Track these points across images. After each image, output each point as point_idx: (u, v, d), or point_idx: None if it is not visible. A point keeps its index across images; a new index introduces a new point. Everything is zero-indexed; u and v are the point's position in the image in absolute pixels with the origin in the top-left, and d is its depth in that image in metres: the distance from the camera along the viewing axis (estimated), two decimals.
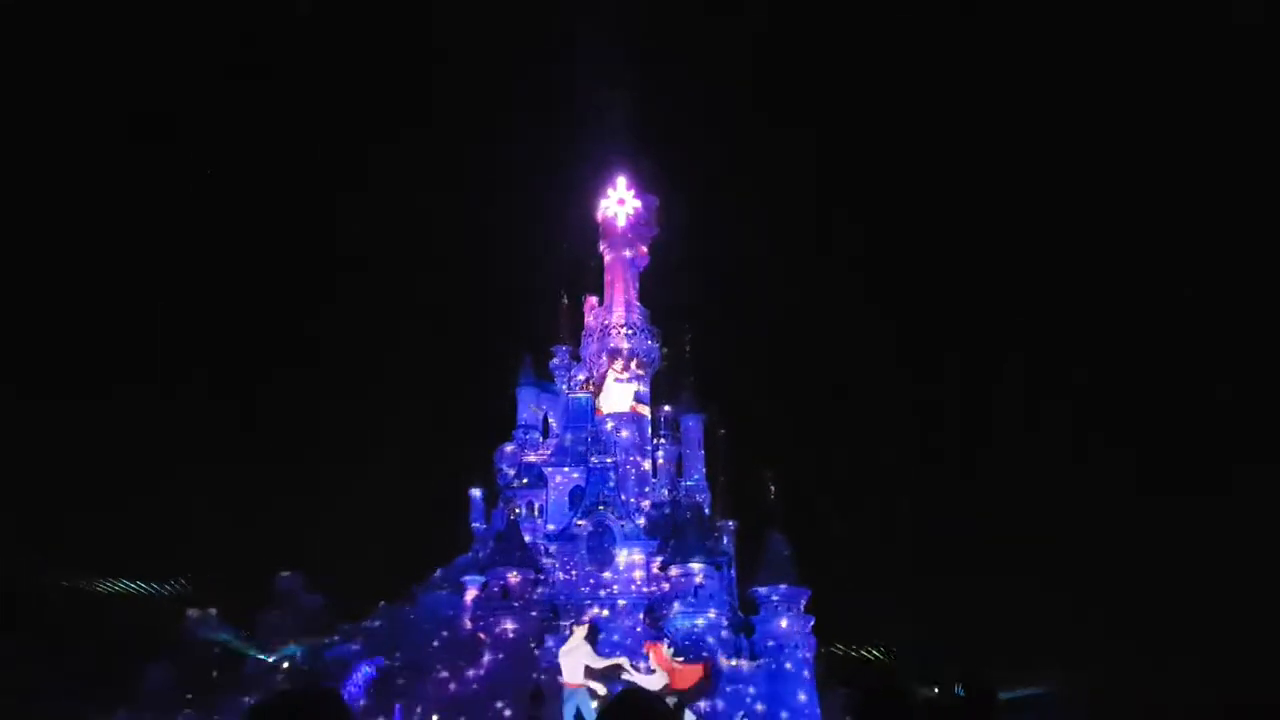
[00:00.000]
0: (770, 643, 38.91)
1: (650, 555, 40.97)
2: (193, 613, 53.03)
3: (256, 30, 77.20)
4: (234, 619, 51.87)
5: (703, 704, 36.48)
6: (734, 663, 38.16)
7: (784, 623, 39.21)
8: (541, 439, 47.58)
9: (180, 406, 68.58)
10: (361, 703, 36.72)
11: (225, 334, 74.14)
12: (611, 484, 42.17)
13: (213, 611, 50.06)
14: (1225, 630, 47.59)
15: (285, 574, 57.12)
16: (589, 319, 49.06)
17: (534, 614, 38.39)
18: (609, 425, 44.76)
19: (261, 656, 44.37)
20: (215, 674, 44.84)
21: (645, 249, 48.43)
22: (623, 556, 40.92)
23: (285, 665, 42.59)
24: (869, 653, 46.30)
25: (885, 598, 49.20)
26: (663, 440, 46.84)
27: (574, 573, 40.76)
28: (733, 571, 43.85)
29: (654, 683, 34.65)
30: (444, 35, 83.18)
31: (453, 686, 37.42)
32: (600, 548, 41.10)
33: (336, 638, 42.60)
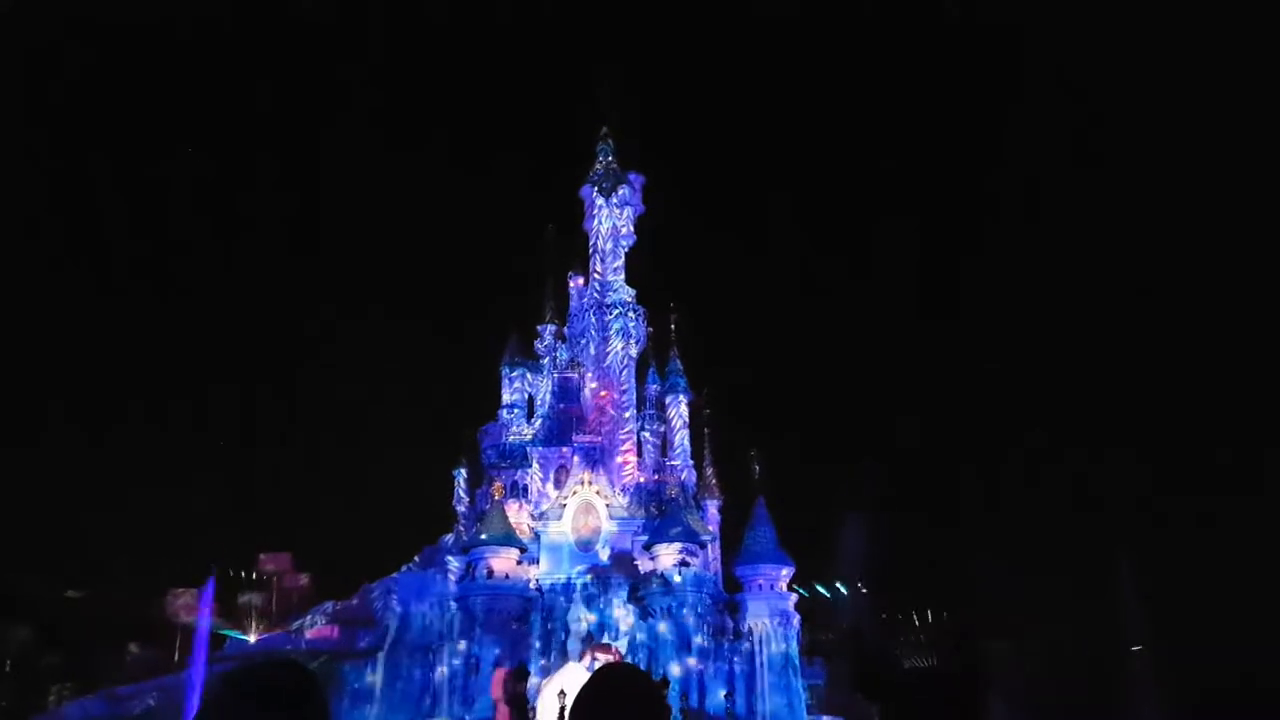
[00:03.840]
0: (754, 620, 39.10)
1: (635, 534, 40.94)
2: (175, 593, 52.84)
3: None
4: (218, 599, 51.70)
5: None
6: (718, 640, 38.31)
7: (767, 600, 39.40)
8: (527, 418, 47.39)
9: (169, 397, 68.19)
10: None
11: (219, 328, 73.71)
12: (596, 463, 42.05)
13: (195, 592, 49.86)
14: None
15: (269, 555, 56.92)
16: (574, 297, 48.81)
17: (516, 593, 38.32)
18: (593, 404, 44.59)
19: (242, 638, 44.24)
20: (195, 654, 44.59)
21: (631, 227, 48.10)
22: (607, 536, 40.89)
23: (264, 646, 42.42)
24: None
25: (869, 570, 49.44)
26: (648, 419, 46.74)
27: (557, 552, 40.69)
28: (717, 549, 43.95)
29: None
30: (434, 15, 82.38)
31: (435, 667, 37.36)
32: (585, 527, 41.04)
33: (319, 619, 42.43)
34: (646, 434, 46.45)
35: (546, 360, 48.43)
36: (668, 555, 39.27)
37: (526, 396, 48.16)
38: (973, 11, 69.03)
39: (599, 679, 3.27)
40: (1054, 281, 77.85)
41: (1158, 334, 66.58)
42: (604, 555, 40.49)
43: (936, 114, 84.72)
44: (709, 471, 47.14)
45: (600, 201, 47.49)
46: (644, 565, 39.97)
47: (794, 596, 40.43)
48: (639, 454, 45.29)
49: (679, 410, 46.68)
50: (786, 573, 40.51)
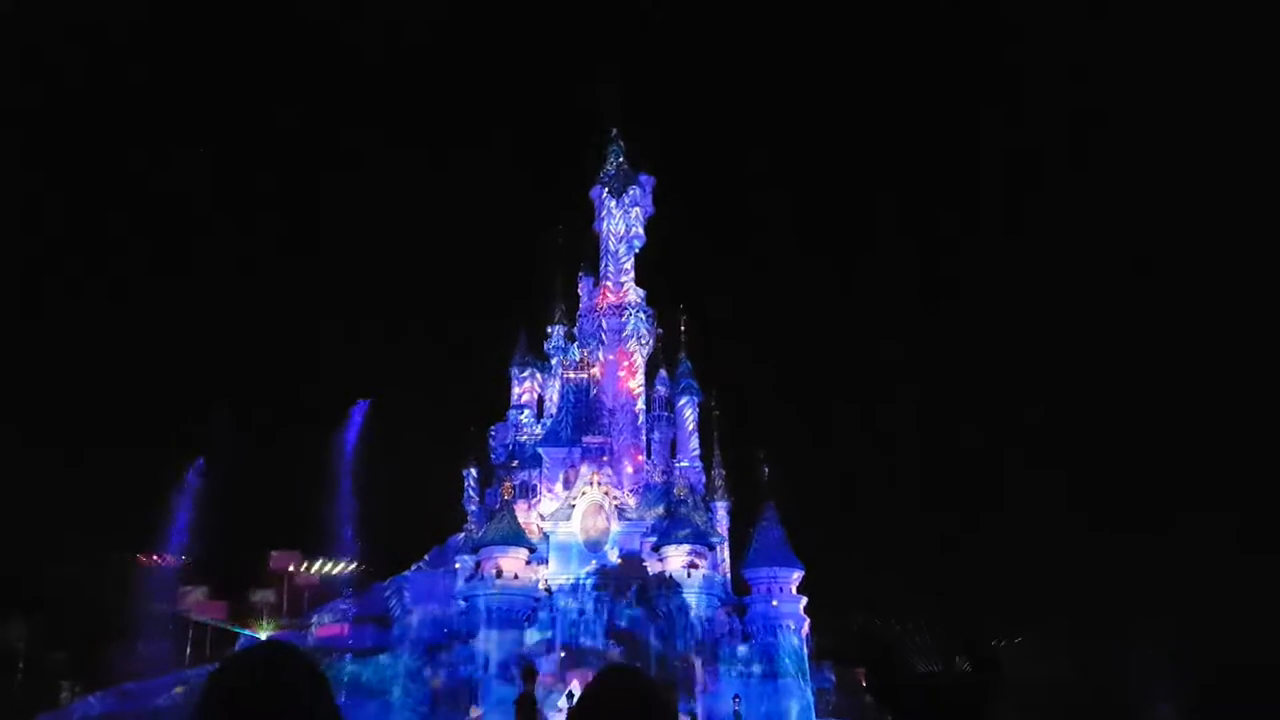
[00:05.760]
0: (763, 622, 38.98)
1: (644, 536, 40.88)
2: (186, 590, 53.07)
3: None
4: (228, 596, 51.92)
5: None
6: (729, 644, 38.21)
7: (776, 602, 39.26)
8: (536, 418, 47.42)
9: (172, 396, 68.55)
10: None
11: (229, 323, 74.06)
12: (605, 464, 42.03)
13: (205, 589, 50.11)
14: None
15: (280, 553, 57.04)
16: (584, 298, 48.81)
17: (525, 594, 38.31)
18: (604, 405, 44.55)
19: (252, 635, 44.37)
20: (207, 651, 44.81)
21: (641, 228, 48.08)
22: (616, 537, 40.84)
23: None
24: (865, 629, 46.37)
25: (879, 575, 49.35)
26: (657, 421, 46.69)
27: (566, 553, 40.67)
28: (726, 551, 43.84)
29: None
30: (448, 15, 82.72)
31: (444, 665, 37.39)
32: (594, 528, 41.01)
33: (328, 617, 42.54)
34: (655, 435, 46.42)
35: (556, 360, 48.45)
36: (677, 557, 39.22)
37: (536, 397, 48.22)
38: (970, 9, 68.92)
39: (600, 681, 3.23)
40: (1051, 272, 77.74)
41: (1157, 332, 66.22)
42: (613, 556, 40.46)
43: (937, 110, 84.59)
44: (718, 473, 47.04)
45: (610, 202, 47.50)
46: (653, 567, 39.92)
47: (803, 599, 40.28)
48: (648, 455, 45.28)
49: (688, 411, 46.63)
50: (796, 575, 40.38)
